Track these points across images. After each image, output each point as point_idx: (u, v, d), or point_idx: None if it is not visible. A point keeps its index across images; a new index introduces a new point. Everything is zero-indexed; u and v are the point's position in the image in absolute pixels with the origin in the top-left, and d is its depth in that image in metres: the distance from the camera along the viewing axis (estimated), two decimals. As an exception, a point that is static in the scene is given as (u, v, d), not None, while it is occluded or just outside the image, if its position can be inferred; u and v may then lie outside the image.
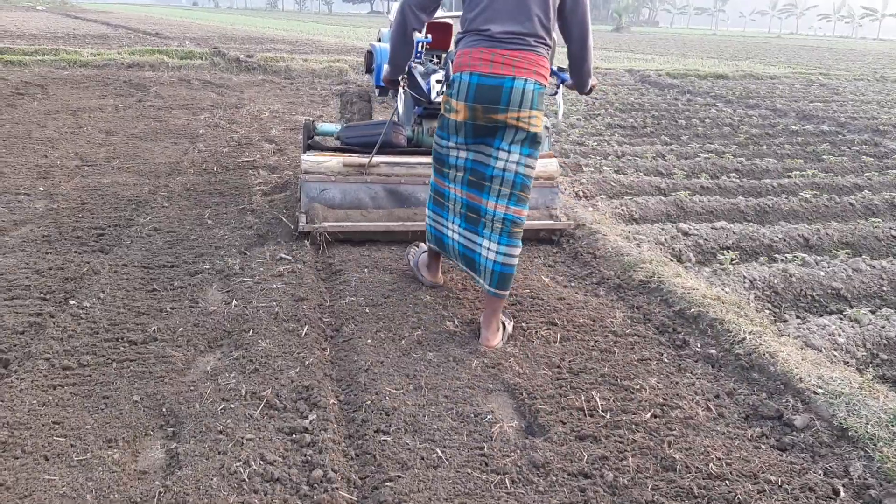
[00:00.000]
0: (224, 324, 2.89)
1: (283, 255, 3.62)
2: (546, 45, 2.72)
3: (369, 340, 2.79)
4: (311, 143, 4.41)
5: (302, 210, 3.94)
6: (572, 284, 3.54)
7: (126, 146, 6.14)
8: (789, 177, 6.12)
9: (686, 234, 4.21)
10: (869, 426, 2.21)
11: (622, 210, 4.72)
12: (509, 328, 2.90)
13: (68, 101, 8.35)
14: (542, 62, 2.69)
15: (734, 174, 6.09)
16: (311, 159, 4.00)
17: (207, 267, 3.49)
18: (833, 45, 46.55)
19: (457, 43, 2.80)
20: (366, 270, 3.54)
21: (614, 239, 3.95)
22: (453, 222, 2.96)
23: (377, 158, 3.99)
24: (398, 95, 3.32)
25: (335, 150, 4.26)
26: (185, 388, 2.41)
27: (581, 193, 5.18)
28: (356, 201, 3.99)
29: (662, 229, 4.29)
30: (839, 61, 25.44)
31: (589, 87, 3.04)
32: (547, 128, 4.64)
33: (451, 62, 2.82)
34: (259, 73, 12.57)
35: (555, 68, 3.09)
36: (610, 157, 6.53)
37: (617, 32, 58.06)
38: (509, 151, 2.73)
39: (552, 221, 4.14)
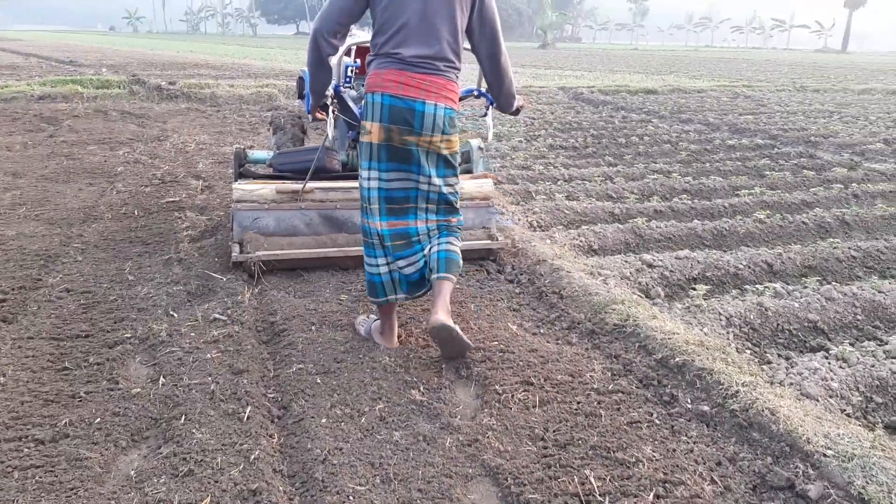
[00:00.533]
0: (150, 409, 2.47)
1: (218, 315, 3.21)
2: (455, 68, 2.76)
3: (324, 420, 2.42)
4: (243, 170, 4.34)
5: (235, 240, 3.82)
6: (542, 331, 3.25)
7: (34, 189, 5.57)
8: (737, 195, 6.05)
9: (651, 265, 4.00)
10: (892, 495, 1.98)
11: (581, 241, 4.49)
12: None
13: (-31, 139, 7.65)
14: (450, 86, 2.73)
15: (685, 195, 5.97)
16: (243, 187, 3.91)
17: (129, 335, 3.04)
18: (748, 57, 48.60)
19: (368, 65, 2.81)
20: (313, 328, 3.16)
21: (579, 276, 3.70)
22: (384, 257, 2.90)
23: (311, 185, 3.93)
24: (328, 120, 3.26)
25: (268, 177, 4.19)
26: (104, 502, 1.99)
27: (536, 224, 4.93)
28: (291, 228, 3.91)
29: (625, 261, 4.06)
30: (758, 72, 26.41)
31: (515, 108, 3.06)
32: (481, 148, 4.62)
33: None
34: (183, 101, 11.97)
35: (483, 89, 3.10)
36: (559, 182, 6.33)
37: (543, 49, 59.02)
38: (430, 175, 2.79)
39: (489, 241, 4.13)
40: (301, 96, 4.76)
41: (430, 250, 2.87)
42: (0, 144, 7.39)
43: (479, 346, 2.98)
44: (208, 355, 2.82)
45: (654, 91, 15.89)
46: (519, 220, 4.91)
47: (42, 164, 6.51)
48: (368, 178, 2.80)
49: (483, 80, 3.05)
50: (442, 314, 2.73)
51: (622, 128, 10.31)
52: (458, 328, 2.74)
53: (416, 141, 2.71)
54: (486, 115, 3.39)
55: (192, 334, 3.02)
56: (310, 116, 4.62)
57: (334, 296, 3.57)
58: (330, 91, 3.05)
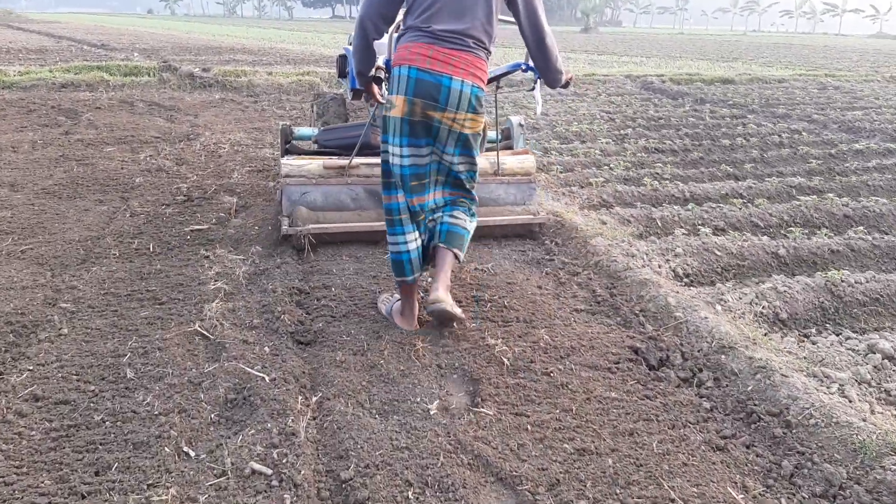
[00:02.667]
0: None
1: (257, 467, 2.00)
2: (485, 48, 2.72)
3: None
4: (289, 147, 4.42)
5: (284, 214, 3.91)
6: None
7: (30, 210, 4.44)
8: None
9: (892, 357, 2.69)
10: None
11: (764, 308, 3.19)
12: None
13: (-30, 137, 6.58)
14: (479, 64, 2.69)
15: (856, 225, 4.61)
16: (291, 163, 3.96)
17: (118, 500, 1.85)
18: (804, 42, 45.96)
19: (397, 41, 2.77)
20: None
21: (802, 385, 2.40)
22: (412, 231, 2.88)
23: (357, 160, 3.97)
24: (384, 94, 3.02)
25: (314, 153, 4.24)
26: None
27: (683, 272, 3.64)
28: (338, 203, 4.01)
29: (849, 349, 2.75)
30: (827, 60, 24.44)
31: (563, 82, 3.01)
32: (521, 125, 4.58)
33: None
34: (217, 91, 10.83)
35: (530, 64, 3.07)
36: (686, 204, 4.99)
37: (586, 33, 56.95)
38: (443, 152, 2.78)
39: (530, 216, 4.17)
40: (342, 74, 4.79)
41: (433, 223, 2.91)
42: (5, 144, 6.31)
43: None
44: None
45: (730, 80, 14.33)
46: (660, 267, 3.63)
47: (47, 173, 5.38)
48: (398, 155, 2.76)
49: (528, 55, 2.97)
50: (441, 291, 2.77)
51: (716, 125, 8.89)
52: (454, 309, 2.79)
53: (439, 117, 2.67)
54: (534, 88, 3.25)
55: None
56: (350, 94, 4.58)
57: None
58: (381, 63, 2.83)
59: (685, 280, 3.60)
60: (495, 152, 4.13)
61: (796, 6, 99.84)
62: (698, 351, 2.76)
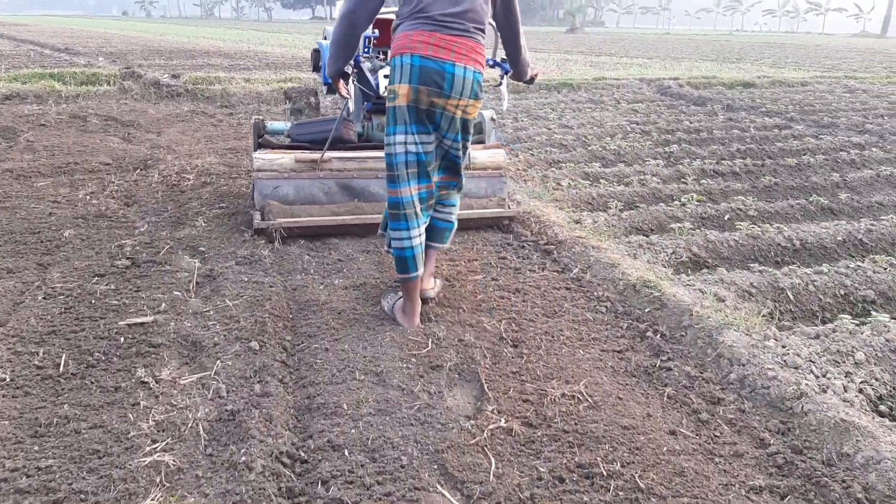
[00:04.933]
0: None
1: None
2: (482, 31, 2.73)
3: None
4: (262, 141, 4.36)
5: (256, 207, 3.94)
6: None
7: None
8: None
9: None
10: None
11: None
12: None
13: None
14: (479, 49, 2.70)
15: None
16: (263, 157, 3.99)
17: None
18: (793, 41, 45.05)
19: (394, 30, 2.74)
20: None
21: None
22: (417, 226, 2.82)
23: (329, 154, 4.02)
24: (351, 90, 3.09)
25: (286, 147, 4.25)
26: None
27: (880, 396, 2.38)
28: (310, 197, 4.02)
29: None
30: (827, 59, 23.44)
31: (529, 77, 3.07)
32: (493, 119, 4.59)
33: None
34: (186, 101, 9.46)
35: (498, 59, 3.17)
36: (821, 267, 3.70)
37: (572, 34, 55.82)
38: (444, 137, 2.79)
39: (502, 209, 4.21)
40: (316, 68, 4.73)
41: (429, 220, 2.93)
42: None
43: None
44: None
45: (752, 84, 13.20)
46: (845, 389, 2.37)
47: (-54, 222, 4.03)
48: (405, 143, 2.71)
49: (496, 50, 3.10)
50: (427, 279, 2.97)
51: (765, 138, 7.71)
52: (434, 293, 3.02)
53: (443, 104, 2.66)
54: (500, 84, 3.29)
55: None
56: (325, 88, 4.46)
57: None
58: (350, 60, 2.90)
59: (889, 415, 2.34)
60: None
61: (779, 5, 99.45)
62: None
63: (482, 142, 4.50)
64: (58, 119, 7.73)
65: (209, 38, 28.65)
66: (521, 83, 3.12)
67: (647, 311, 3.05)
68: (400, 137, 2.71)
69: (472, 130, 2.86)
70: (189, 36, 29.72)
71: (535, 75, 3.12)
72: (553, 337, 2.81)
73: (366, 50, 3.98)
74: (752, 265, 3.73)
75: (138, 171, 5.54)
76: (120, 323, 2.83)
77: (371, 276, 3.45)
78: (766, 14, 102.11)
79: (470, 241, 4.03)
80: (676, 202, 4.90)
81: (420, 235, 2.83)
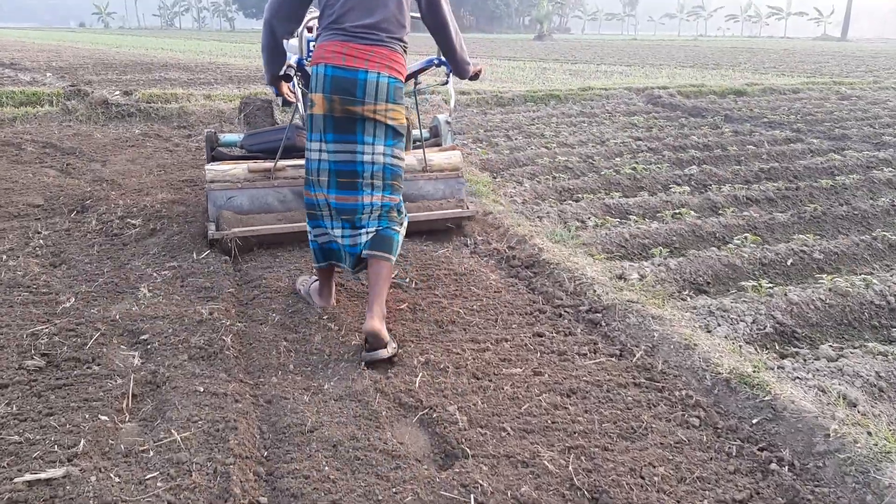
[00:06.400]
0: None
1: None
2: (400, 41, 2.75)
3: None
4: (215, 153, 4.38)
5: (210, 219, 3.89)
6: None
7: None
8: None
9: None
10: None
11: None
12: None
13: None
14: (395, 57, 2.72)
15: None
16: (215, 168, 3.98)
17: None
18: (762, 46, 45.08)
19: (314, 40, 2.83)
20: None
21: None
22: (334, 228, 2.87)
23: (283, 162, 4.00)
24: (297, 94, 3.35)
25: (240, 158, 4.28)
26: None
27: None
28: (265, 206, 4.00)
29: None
30: (807, 64, 23.14)
31: (472, 74, 3.11)
32: (448, 122, 4.67)
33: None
34: (138, 122, 8.48)
35: (442, 58, 3.25)
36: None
37: (541, 41, 55.38)
38: (373, 144, 2.77)
39: (460, 210, 4.18)
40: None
41: (367, 235, 2.83)
42: None
43: None
44: None
45: (742, 92, 12.60)
46: None
47: None
48: (318, 150, 2.78)
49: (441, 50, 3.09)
50: (377, 320, 2.63)
51: (782, 154, 7.04)
52: (388, 351, 2.62)
53: (359, 111, 2.69)
54: (447, 82, 3.60)
55: None
56: (280, 100, 4.76)
57: None
58: (293, 63, 3.00)
59: None
60: (422, 149, 4.19)
61: (742, 10, 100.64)
62: None
63: (438, 144, 4.61)
64: (-14, 147, 6.71)
65: (168, 49, 27.41)
66: (471, 80, 3.16)
67: (755, 422, 2.24)
68: (315, 145, 2.79)
69: (402, 135, 2.81)
70: (147, 48, 28.43)
71: (479, 71, 3.15)
72: (644, 479, 1.98)
73: (309, 53, 3.81)
74: (849, 332, 2.95)
75: (74, 213, 4.60)
76: (16, 480, 1.92)
77: (373, 375, 2.58)
78: (728, 19, 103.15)
79: (491, 307, 3.18)
80: (728, 243, 4.11)
81: (340, 238, 2.84)
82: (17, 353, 2.66)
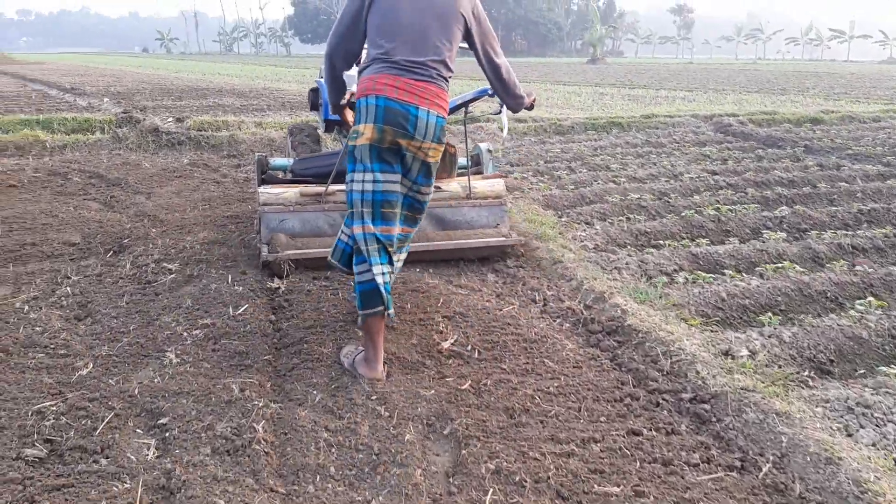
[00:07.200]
0: None
1: None
2: (445, 78, 2.78)
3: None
4: (266, 177, 4.52)
5: (263, 241, 3.92)
6: None
7: None
8: None
9: None
10: None
11: None
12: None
13: None
14: (442, 95, 2.75)
15: None
16: (269, 191, 4.03)
17: None
18: (825, 70, 43.46)
19: (359, 73, 2.81)
20: None
21: None
22: (375, 263, 2.74)
23: (333, 187, 4.04)
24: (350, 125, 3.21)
25: (290, 181, 4.34)
26: None
27: None
28: (316, 229, 4.04)
29: None
30: (875, 90, 21.97)
31: (526, 105, 3.12)
32: (490, 150, 4.73)
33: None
34: (188, 151, 8.27)
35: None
36: None
37: (594, 65, 54.80)
38: (412, 181, 2.80)
39: (504, 238, 4.19)
40: (314, 107, 5.16)
41: (393, 272, 2.83)
42: None
43: None
44: None
45: (819, 120, 11.82)
46: None
47: None
48: (361, 181, 2.72)
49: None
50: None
51: (878, 193, 6.34)
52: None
53: (406, 145, 2.69)
54: (500, 112, 3.57)
55: None
56: (323, 125, 4.94)
57: None
58: (353, 91, 2.95)
59: None
60: (467, 177, 4.24)
61: (802, 33, 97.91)
62: None
63: (480, 172, 4.67)
64: (33, 177, 6.54)
65: (225, 74, 27.82)
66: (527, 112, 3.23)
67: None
68: (358, 176, 2.74)
69: (434, 175, 2.85)
70: (204, 73, 28.92)
71: (533, 102, 3.16)
72: None
73: None
74: None
75: (109, 254, 4.27)
76: None
77: (432, 489, 2.08)
78: (788, 42, 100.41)
79: (572, 390, 2.66)
80: (842, 305, 3.51)
81: (384, 274, 2.75)
82: (17, 436, 2.27)
